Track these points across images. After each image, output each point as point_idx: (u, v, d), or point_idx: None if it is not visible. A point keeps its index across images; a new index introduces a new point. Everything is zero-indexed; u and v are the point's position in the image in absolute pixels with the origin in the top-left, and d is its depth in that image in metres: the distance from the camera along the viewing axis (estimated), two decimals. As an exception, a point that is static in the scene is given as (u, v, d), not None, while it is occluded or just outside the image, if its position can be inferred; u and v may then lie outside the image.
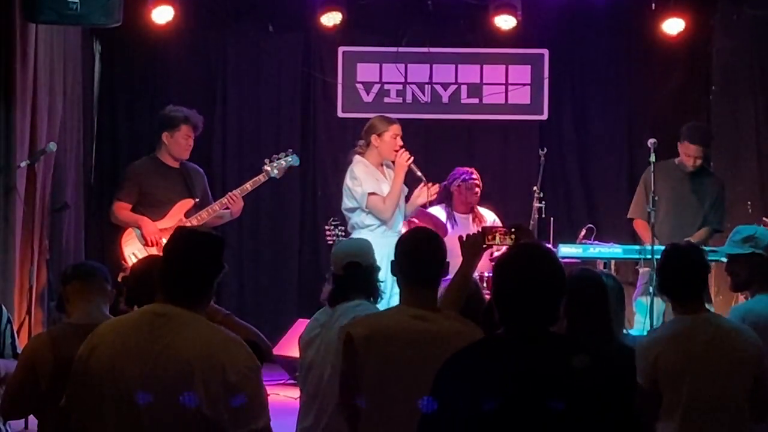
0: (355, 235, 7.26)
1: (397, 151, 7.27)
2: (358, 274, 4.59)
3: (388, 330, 3.86)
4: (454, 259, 7.76)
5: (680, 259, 4.34)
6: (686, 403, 4.11)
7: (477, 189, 8.19)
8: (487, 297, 7.19)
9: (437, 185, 7.53)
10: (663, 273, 4.36)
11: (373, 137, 7.31)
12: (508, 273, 3.11)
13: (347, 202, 7.36)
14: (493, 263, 7.93)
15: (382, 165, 7.40)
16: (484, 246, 4.31)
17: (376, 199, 7.26)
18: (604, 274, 5.02)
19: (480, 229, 4.36)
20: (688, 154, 7.75)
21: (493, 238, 4.30)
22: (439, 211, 8.13)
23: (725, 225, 8.09)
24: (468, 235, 4.34)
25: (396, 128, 7.34)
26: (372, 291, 4.64)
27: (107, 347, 3.31)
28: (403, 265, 3.97)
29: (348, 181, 7.34)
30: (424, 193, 7.40)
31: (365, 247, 4.78)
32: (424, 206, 7.49)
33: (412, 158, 7.28)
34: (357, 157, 7.36)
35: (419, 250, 3.97)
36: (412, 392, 3.74)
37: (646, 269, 7.52)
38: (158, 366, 3.23)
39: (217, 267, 3.42)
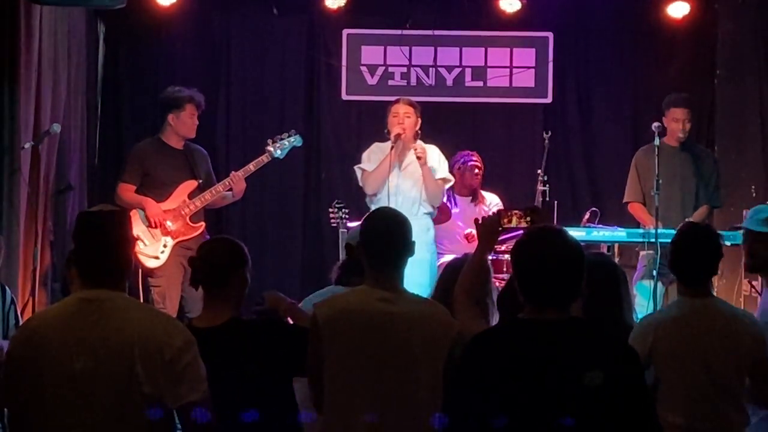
0: None
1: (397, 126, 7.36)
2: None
3: (353, 311, 3.83)
4: (454, 240, 7.78)
5: (696, 240, 4.30)
6: (685, 391, 4.11)
7: (477, 170, 8.19)
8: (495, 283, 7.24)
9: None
10: (677, 251, 4.30)
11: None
12: (529, 254, 3.22)
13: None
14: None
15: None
16: (500, 229, 4.25)
17: (362, 174, 7.45)
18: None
19: (496, 212, 4.33)
20: (677, 119, 7.76)
21: (510, 221, 4.26)
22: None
23: (723, 200, 8.11)
24: (484, 218, 4.29)
25: (395, 108, 7.44)
26: None
27: (43, 337, 3.35)
28: (368, 246, 3.91)
29: None
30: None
31: None
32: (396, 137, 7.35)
33: (400, 132, 7.31)
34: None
35: (386, 231, 3.91)
36: (375, 374, 3.75)
37: (648, 252, 7.52)
38: (100, 351, 3.29)
39: (130, 241, 3.51)
